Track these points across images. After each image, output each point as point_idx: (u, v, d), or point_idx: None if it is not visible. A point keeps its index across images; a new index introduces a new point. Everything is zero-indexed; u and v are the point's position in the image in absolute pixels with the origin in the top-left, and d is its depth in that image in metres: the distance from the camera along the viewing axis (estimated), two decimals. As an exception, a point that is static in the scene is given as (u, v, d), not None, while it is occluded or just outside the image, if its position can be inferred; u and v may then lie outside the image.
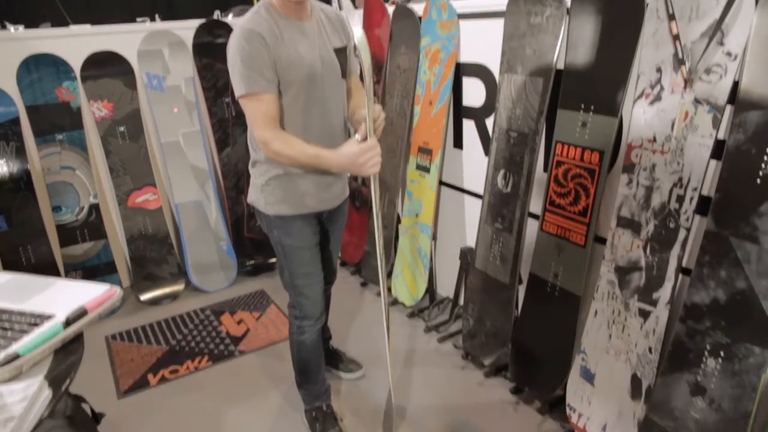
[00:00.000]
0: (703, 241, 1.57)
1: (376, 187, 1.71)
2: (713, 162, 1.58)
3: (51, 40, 2.99)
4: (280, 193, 1.79)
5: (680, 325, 1.62)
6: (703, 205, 1.60)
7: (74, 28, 3.00)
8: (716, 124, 1.54)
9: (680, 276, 1.68)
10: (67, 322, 0.98)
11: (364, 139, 1.60)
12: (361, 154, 1.57)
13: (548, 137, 2.06)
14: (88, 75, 3.03)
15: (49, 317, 1.00)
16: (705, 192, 1.61)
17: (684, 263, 1.67)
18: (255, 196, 1.86)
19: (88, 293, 1.05)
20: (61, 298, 1.07)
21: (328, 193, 1.87)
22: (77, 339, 1.02)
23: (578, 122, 1.89)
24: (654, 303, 1.72)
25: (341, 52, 1.79)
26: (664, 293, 1.69)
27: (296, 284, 1.93)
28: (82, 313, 1.00)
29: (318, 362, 2.09)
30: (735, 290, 1.50)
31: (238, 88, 1.61)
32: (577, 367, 1.98)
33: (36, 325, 0.97)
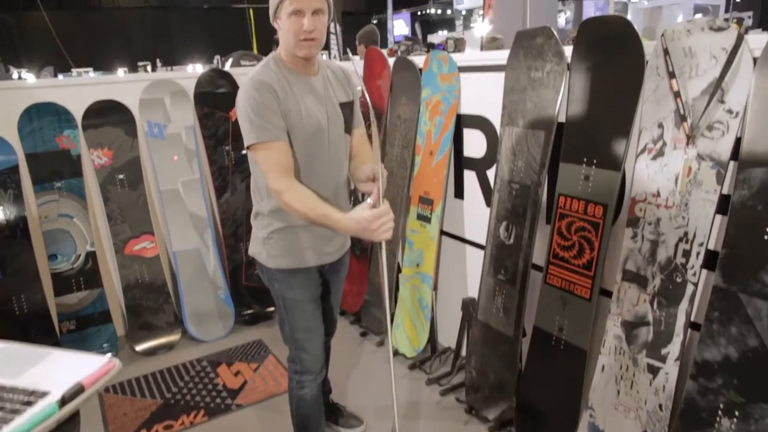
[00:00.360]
0: (711, 297, 1.55)
1: (383, 253, 1.67)
2: (719, 217, 1.58)
3: (54, 89, 3.01)
4: (282, 246, 1.78)
5: (691, 383, 1.59)
6: (711, 260, 1.60)
7: (78, 79, 3.03)
8: (720, 179, 1.55)
9: (689, 331, 1.66)
10: (63, 401, 0.93)
11: (375, 204, 1.55)
12: (373, 220, 1.51)
13: (550, 189, 2.06)
14: (90, 123, 3.04)
15: (43, 394, 0.94)
16: (711, 246, 1.61)
17: (693, 318, 1.65)
18: (256, 249, 1.85)
19: (86, 367, 0.99)
20: (56, 372, 1.01)
21: (329, 247, 1.86)
22: (73, 417, 0.96)
23: (581, 175, 1.90)
24: (663, 359, 1.69)
25: (346, 107, 1.81)
26: (674, 349, 1.67)
27: (297, 338, 1.90)
28: (79, 390, 0.95)
29: (318, 418, 2.04)
30: (747, 348, 1.47)
31: (249, 137, 1.61)
32: (585, 423, 1.93)
33: (29, 403, 0.92)
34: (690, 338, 1.67)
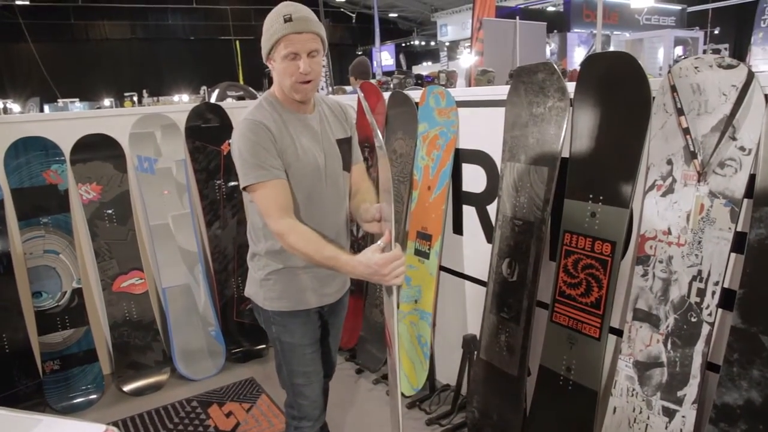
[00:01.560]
0: (730, 338, 1.51)
1: (397, 298, 1.57)
2: (734, 255, 1.55)
3: (42, 123, 2.94)
4: (280, 287, 1.71)
5: (711, 428, 1.53)
6: (727, 299, 1.56)
7: (66, 113, 2.97)
8: (735, 217, 1.53)
9: (706, 373, 1.61)
10: None
11: (386, 246, 1.46)
12: (385, 264, 1.42)
13: (555, 226, 2.02)
14: (78, 158, 2.96)
15: None
16: (727, 284, 1.57)
17: (710, 358, 1.61)
18: (253, 290, 1.78)
19: None
20: None
21: (329, 288, 1.79)
22: None
23: (587, 212, 1.87)
24: (679, 402, 1.63)
25: (344, 143, 1.76)
26: (690, 391, 1.61)
27: (295, 383, 1.81)
28: None
29: None
30: (769, 392, 1.43)
31: (246, 178, 1.56)
32: (597, 468, 1.86)
33: None
34: (707, 380, 1.62)
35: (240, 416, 2.72)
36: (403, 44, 22.61)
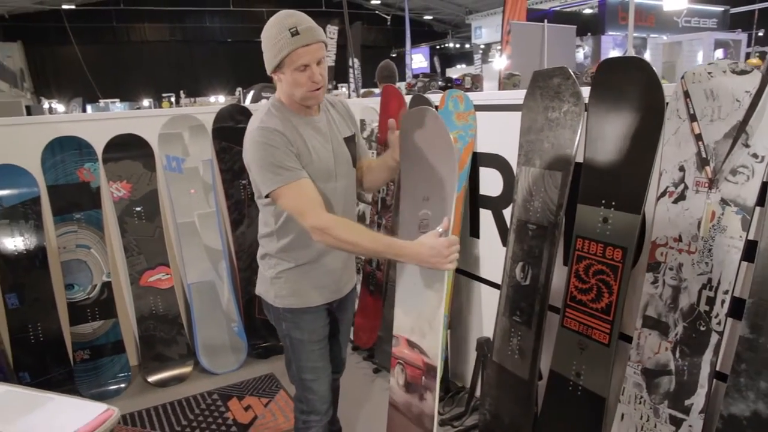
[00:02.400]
0: (738, 348, 1.49)
1: (450, 280, 1.64)
2: (744, 264, 1.53)
3: (77, 123, 3.08)
4: (290, 286, 1.76)
5: (717, 438, 1.52)
6: (737, 308, 1.54)
7: (99, 114, 3.10)
8: (746, 225, 1.51)
9: (714, 382, 1.59)
10: None
11: (444, 231, 1.53)
12: (449, 245, 1.50)
13: (568, 231, 2.02)
14: (110, 157, 3.09)
15: None
16: (738, 293, 1.55)
17: (718, 367, 1.58)
18: (263, 288, 1.83)
19: (83, 415, 0.96)
20: (54, 420, 0.99)
21: (338, 284, 1.84)
22: None
23: (599, 217, 1.86)
24: (687, 411, 1.62)
25: (350, 141, 1.80)
26: (698, 401, 1.60)
27: (304, 379, 1.86)
28: None
29: None
30: (776, 403, 1.41)
31: (269, 184, 1.58)
32: (605, 475, 1.85)
33: None
34: (716, 389, 1.60)
35: (258, 410, 2.79)
36: (438, 47, 22.61)
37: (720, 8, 12.85)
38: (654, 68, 1.75)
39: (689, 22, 12.09)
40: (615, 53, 9.46)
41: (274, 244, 1.75)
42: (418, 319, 1.75)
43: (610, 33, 10.65)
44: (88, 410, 0.98)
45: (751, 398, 1.45)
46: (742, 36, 10.86)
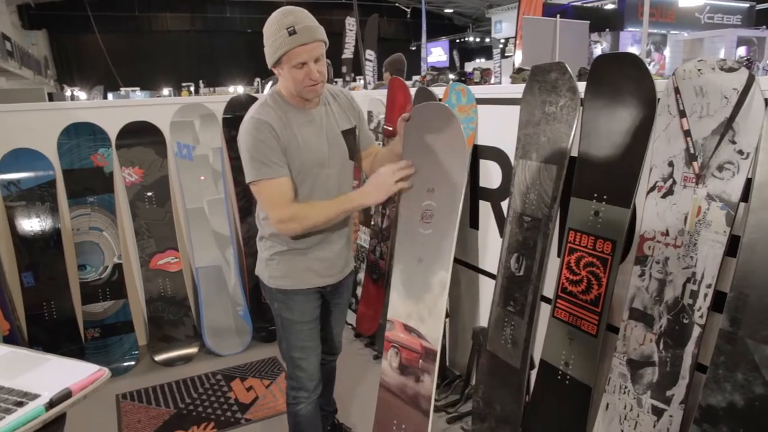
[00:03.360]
0: (717, 341, 1.52)
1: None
2: (728, 259, 1.56)
3: (92, 110, 3.17)
4: (283, 267, 1.83)
5: (695, 428, 1.55)
6: (719, 302, 1.56)
7: (113, 101, 3.19)
8: (730, 221, 1.53)
9: (695, 374, 1.62)
10: (51, 404, 1.00)
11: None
12: (393, 172, 1.65)
13: (562, 223, 2.06)
14: (123, 143, 3.18)
15: (34, 397, 1.02)
16: (721, 287, 1.58)
17: (699, 360, 1.62)
18: (260, 269, 1.92)
19: (77, 374, 1.06)
20: (49, 377, 1.08)
21: (331, 269, 1.91)
22: (59, 419, 1.03)
23: (591, 211, 1.90)
24: (668, 401, 1.65)
25: (349, 134, 1.85)
26: (678, 391, 1.63)
27: (293, 356, 1.94)
28: (66, 395, 1.02)
29: None
30: (753, 395, 1.44)
31: (251, 174, 1.68)
32: (589, 462, 1.89)
33: (21, 404, 0.99)
34: (697, 381, 1.63)
35: (259, 391, 2.87)
36: (458, 40, 22.51)
37: (745, 4, 12.61)
38: (648, 65, 1.77)
39: (712, 19, 11.88)
40: (633, 49, 9.36)
41: (268, 228, 1.82)
42: (417, 305, 1.80)
43: (630, 29, 10.53)
44: (82, 369, 1.07)
45: (728, 390, 1.48)
46: (766, 33, 10.66)
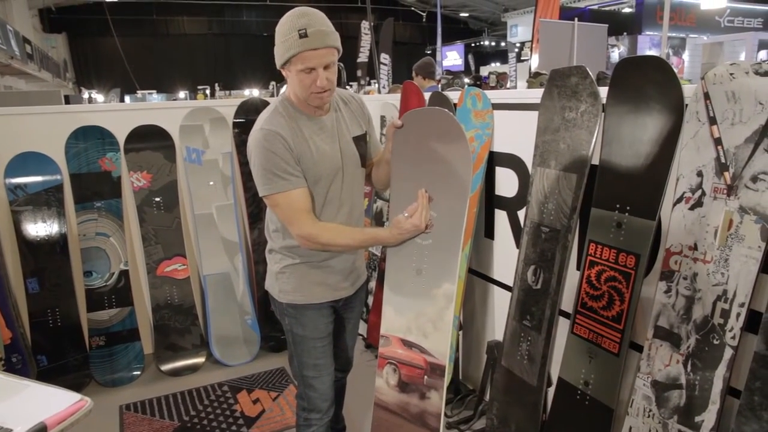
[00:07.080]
0: (752, 365, 1.41)
1: (462, 282, 1.66)
2: (764, 276, 1.45)
3: (100, 113, 3.13)
4: (294, 281, 1.75)
5: (727, 458, 1.44)
6: (753, 322, 1.46)
7: (122, 104, 3.15)
8: (765, 235, 1.42)
9: (727, 398, 1.51)
10: None
11: (409, 216, 1.61)
12: (417, 217, 1.59)
13: (581, 235, 1.95)
14: (131, 147, 3.13)
15: None
16: (756, 307, 1.47)
17: (732, 384, 1.51)
18: (270, 283, 1.84)
19: (55, 405, 0.98)
20: (25, 408, 1.01)
21: (343, 282, 1.82)
22: None
23: (613, 222, 1.79)
24: (697, 427, 1.54)
25: (360, 140, 1.77)
26: (709, 417, 1.52)
27: (305, 375, 1.85)
28: (40, 430, 0.94)
29: None
30: (791, 425, 1.33)
31: (265, 188, 1.60)
32: (610, 489, 1.78)
33: None
34: (728, 406, 1.52)
35: (266, 404, 2.79)
36: (473, 44, 22.38)
37: (766, 7, 12.35)
38: (674, 68, 1.67)
39: (732, 22, 11.65)
40: (652, 53, 9.19)
41: (279, 241, 1.75)
42: (418, 319, 1.71)
43: (648, 33, 10.35)
44: (62, 399, 0.99)
45: (765, 418, 1.37)
46: (789, 37, 10.42)
